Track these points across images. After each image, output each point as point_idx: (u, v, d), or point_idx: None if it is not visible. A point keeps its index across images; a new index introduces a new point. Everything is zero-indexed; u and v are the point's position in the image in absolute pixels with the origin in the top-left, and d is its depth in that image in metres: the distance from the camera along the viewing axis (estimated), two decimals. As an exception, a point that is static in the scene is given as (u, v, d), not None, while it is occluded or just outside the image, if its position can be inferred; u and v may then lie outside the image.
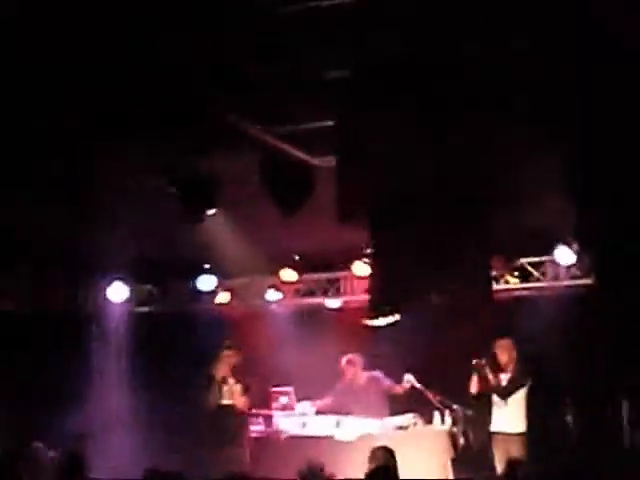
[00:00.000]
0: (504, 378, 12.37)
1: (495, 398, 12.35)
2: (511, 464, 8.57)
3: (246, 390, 12.67)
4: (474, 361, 12.31)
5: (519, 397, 12.23)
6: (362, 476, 8.71)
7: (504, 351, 12.37)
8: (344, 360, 13.19)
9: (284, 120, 8.79)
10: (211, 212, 9.89)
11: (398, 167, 7.80)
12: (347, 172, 8.05)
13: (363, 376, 13.22)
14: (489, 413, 12.38)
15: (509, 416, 12.22)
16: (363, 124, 7.93)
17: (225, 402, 12.66)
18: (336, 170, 8.19)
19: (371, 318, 9.67)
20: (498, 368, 12.40)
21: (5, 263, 12.72)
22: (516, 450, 11.85)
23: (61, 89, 7.85)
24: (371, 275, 9.17)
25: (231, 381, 12.66)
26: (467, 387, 12.45)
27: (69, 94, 7.92)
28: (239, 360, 12.73)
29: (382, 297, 8.49)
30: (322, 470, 8.53)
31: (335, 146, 8.34)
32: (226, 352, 12.73)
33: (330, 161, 8.89)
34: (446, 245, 8.03)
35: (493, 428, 12.33)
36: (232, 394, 12.64)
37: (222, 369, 12.67)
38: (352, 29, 7.05)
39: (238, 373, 12.70)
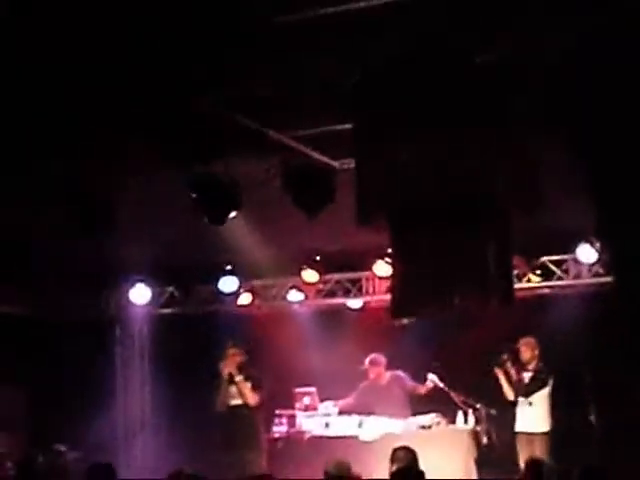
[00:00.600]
0: (527, 376, 12.38)
1: (519, 397, 12.36)
2: (534, 464, 8.56)
3: (257, 387, 12.55)
4: (498, 358, 12.34)
5: (542, 396, 12.23)
6: (385, 476, 8.73)
7: (527, 349, 12.40)
8: (367, 360, 13.21)
9: (305, 124, 8.80)
10: (233, 214, 9.89)
11: (416, 169, 7.79)
12: (366, 175, 8.03)
13: (386, 376, 13.24)
14: (513, 413, 12.38)
15: (533, 415, 12.22)
16: (381, 127, 7.93)
17: (234, 402, 12.60)
18: (355, 173, 8.18)
19: (394, 319, 9.65)
20: (521, 366, 12.41)
21: (27, 268, 12.78)
22: (540, 450, 11.85)
23: (58, 87, 7.83)
24: (392, 276, 9.15)
25: (238, 378, 12.54)
26: (490, 386, 12.47)
27: (67, 93, 7.90)
28: (244, 359, 12.66)
29: (403, 301, 8.46)
30: (349, 469, 8.54)
31: (353, 149, 8.33)
32: (231, 350, 12.64)
33: (351, 163, 8.90)
34: (466, 247, 8.02)
35: (517, 428, 12.33)
36: (241, 392, 12.54)
37: (227, 367, 12.57)
38: (368, 32, 7.06)
39: (246, 371, 12.61)
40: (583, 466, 7.74)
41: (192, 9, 6.95)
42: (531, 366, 12.38)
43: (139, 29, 7.12)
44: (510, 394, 12.37)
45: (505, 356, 12.37)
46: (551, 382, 12.27)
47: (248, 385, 12.53)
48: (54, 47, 7.31)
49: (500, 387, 12.47)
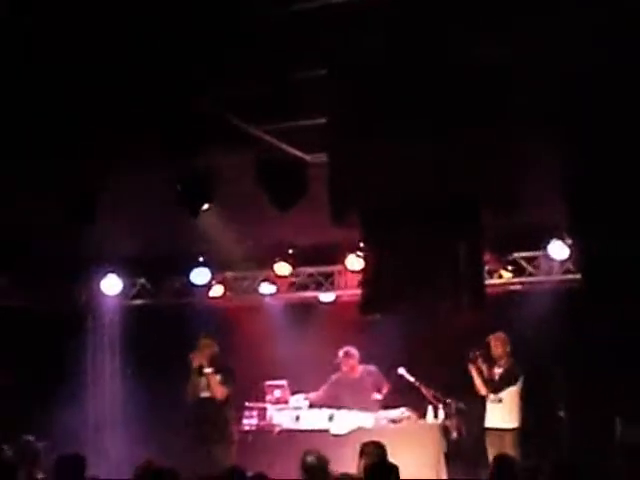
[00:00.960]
0: (497, 372, 12.41)
1: (489, 394, 12.39)
2: (503, 460, 8.58)
3: (226, 380, 12.47)
4: (470, 353, 12.38)
5: (513, 392, 12.27)
6: (353, 470, 8.75)
7: (498, 345, 12.43)
8: (342, 352, 13.23)
9: (279, 117, 8.78)
10: (206, 207, 9.88)
11: (389, 167, 7.79)
12: (338, 173, 8.04)
13: (359, 369, 13.26)
14: (483, 408, 12.42)
15: (503, 411, 12.26)
16: (354, 123, 7.93)
17: (204, 395, 12.52)
18: (327, 170, 8.18)
19: (363, 315, 9.67)
20: (492, 362, 12.44)
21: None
22: (509, 445, 11.89)
23: (54, 86, 7.83)
24: (363, 273, 9.16)
25: (208, 371, 12.44)
26: (460, 380, 12.50)
27: (62, 92, 7.90)
28: (217, 350, 12.58)
29: (372, 298, 8.47)
30: (328, 462, 8.58)
31: (326, 145, 8.33)
32: (203, 341, 12.55)
33: (323, 157, 8.90)
34: (437, 247, 8.03)
35: (487, 424, 12.37)
36: (209, 385, 12.46)
37: (198, 358, 12.47)
38: (345, 28, 7.05)
39: (218, 363, 12.55)
40: (554, 463, 7.76)
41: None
42: (502, 362, 12.42)
43: (121, 26, 7.12)
44: (483, 389, 12.41)
45: (477, 352, 12.40)
46: (522, 378, 12.31)
47: (217, 378, 12.46)
48: (53, 46, 7.30)
49: (470, 381, 12.50)
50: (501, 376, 12.37)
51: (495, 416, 12.30)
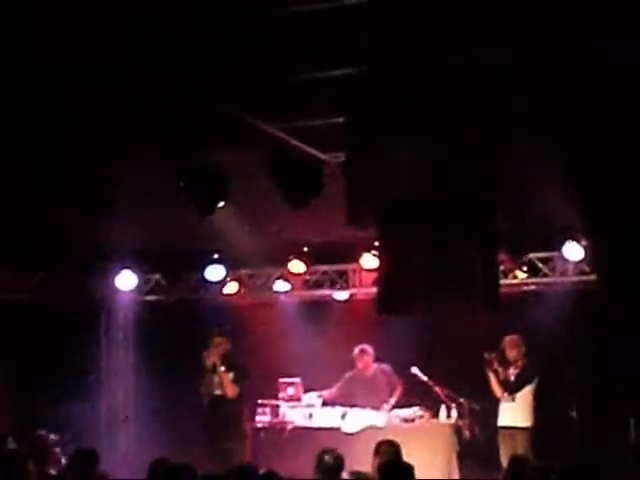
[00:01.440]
0: (512, 373, 12.40)
1: (504, 394, 12.38)
2: (517, 462, 8.57)
3: (239, 378, 12.56)
4: (485, 355, 12.36)
5: (526, 392, 12.26)
6: (366, 468, 8.75)
7: (513, 347, 12.41)
8: (357, 349, 13.23)
9: (295, 116, 8.79)
10: (221, 204, 9.90)
11: (405, 168, 7.80)
12: (355, 173, 8.05)
13: (373, 367, 13.26)
14: (496, 408, 12.41)
15: (516, 411, 12.25)
16: (372, 124, 7.93)
17: (217, 392, 12.61)
18: (344, 168, 8.18)
19: (378, 314, 9.68)
20: (507, 363, 12.43)
21: (14, 253, 12.76)
22: (522, 445, 11.89)
23: (60, 85, 7.84)
24: (378, 272, 9.17)
25: (221, 369, 12.54)
26: (474, 381, 12.49)
27: (68, 90, 7.91)
28: (230, 348, 12.68)
29: (387, 299, 8.48)
30: (343, 461, 8.57)
31: (344, 144, 8.33)
32: (217, 339, 12.66)
33: (340, 157, 8.92)
34: (452, 249, 8.03)
35: (500, 422, 12.36)
36: (222, 383, 12.55)
37: (212, 357, 12.57)
38: (363, 29, 7.06)
39: (231, 361, 12.65)
40: (566, 463, 7.75)
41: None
42: (517, 364, 12.40)
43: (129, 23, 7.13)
44: (498, 391, 12.39)
45: (492, 355, 12.38)
46: (536, 379, 12.30)
47: (230, 376, 12.53)
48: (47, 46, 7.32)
49: (483, 382, 12.48)
50: (516, 377, 12.36)
51: (508, 415, 12.29)
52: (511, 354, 12.39)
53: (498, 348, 12.42)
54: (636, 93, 7.82)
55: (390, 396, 13.04)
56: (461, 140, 7.63)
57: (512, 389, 12.29)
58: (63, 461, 10.26)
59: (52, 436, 11.08)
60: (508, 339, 12.40)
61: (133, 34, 7.26)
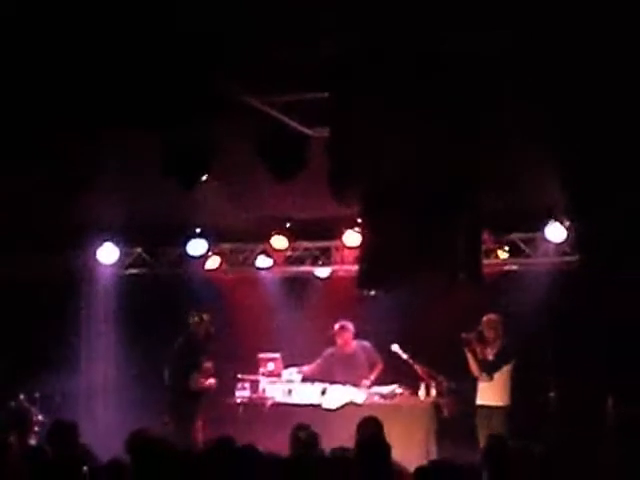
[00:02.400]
0: (490, 353, 12.43)
1: (482, 373, 12.41)
2: (493, 439, 8.58)
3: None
4: (463, 335, 12.37)
5: (504, 372, 12.28)
6: (345, 444, 8.76)
7: (491, 326, 12.41)
8: (337, 325, 13.24)
9: (280, 90, 8.76)
10: (204, 178, 9.86)
11: (390, 145, 7.79)
12: (340, 147, 8.03)
13: (353, 344, 13.28)
14: (474, 388, 12.44)
15: (494, 390, 12.27)
16: (357, 101, 7.91)
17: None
18: (329, 144, 8.16)
19: (359, 290, 9.69)
20: (485, 343, 12.45)
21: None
22: (499, 423, 11.92)
23: (39, 54, 7.80)
24: (360, 249, 9.17)
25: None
26: (453, 360, 12.51)
27: (48, 60, 7.87)
28: (212, 330, 12.92)
29: (369, 274, 8.48)
30: (317, 440, 8.59)
31: (328, 121, 8.31)
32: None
33: (324, 132, 8.88)
34: (436, 224, 8.04)
35: (478, 402, 12.38)
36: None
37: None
38: (350, 9, 7.03)
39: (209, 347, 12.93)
40: (545, 444, 7.76)
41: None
42: (495, 343, 12.42)
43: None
44: (477, 371, 12.41)
45: (471, 334, 12.40)
46: (514, 359, 12.32)
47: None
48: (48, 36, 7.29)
49: (463, 361, 12.50)
50: (494, 357, 12.37)
51: (486, 394, 12.31)
52: (489, 334, 12.39)
53: (477, 327, 12.44)
54: (621, 76, 7.83)
55: (370, 373, 13.08)
56: (446, 122, 7.62)
57: (490, 369, 12.31)
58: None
59: (32, 407, 11.10)
60: (486, 319, 12.41)
61: (118, 8, 7.23)
